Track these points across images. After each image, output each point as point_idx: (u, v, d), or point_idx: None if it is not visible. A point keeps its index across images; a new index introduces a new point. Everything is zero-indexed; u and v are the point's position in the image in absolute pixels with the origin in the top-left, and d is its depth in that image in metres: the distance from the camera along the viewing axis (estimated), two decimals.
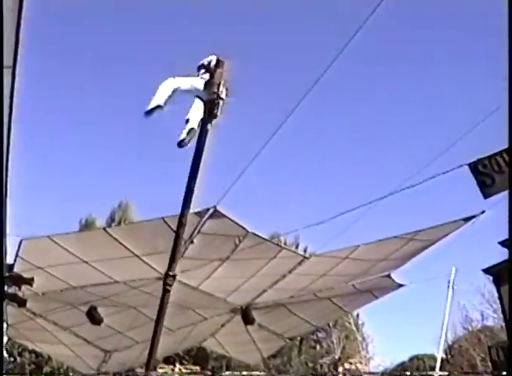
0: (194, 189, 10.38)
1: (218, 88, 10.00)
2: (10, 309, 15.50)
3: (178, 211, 11.61)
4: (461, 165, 9.97)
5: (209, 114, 9.93)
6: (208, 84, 9.96)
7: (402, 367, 44.94)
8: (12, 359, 31.05)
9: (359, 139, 59.36)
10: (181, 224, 10.89)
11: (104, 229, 12.76)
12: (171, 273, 11.26)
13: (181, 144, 9.66)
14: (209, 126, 10.02)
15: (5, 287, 12.89)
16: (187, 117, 9.75)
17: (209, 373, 36.17)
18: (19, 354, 31.30)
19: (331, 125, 57.51)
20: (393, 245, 14.20)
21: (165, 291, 11.53)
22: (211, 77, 10.06)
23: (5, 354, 29.85)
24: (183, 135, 9.67)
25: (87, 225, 34.81)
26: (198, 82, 10.11)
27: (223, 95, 10.01)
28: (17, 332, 18.03)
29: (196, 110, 9.85)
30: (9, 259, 12.49)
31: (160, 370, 33.29)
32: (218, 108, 9.97)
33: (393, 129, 60.18)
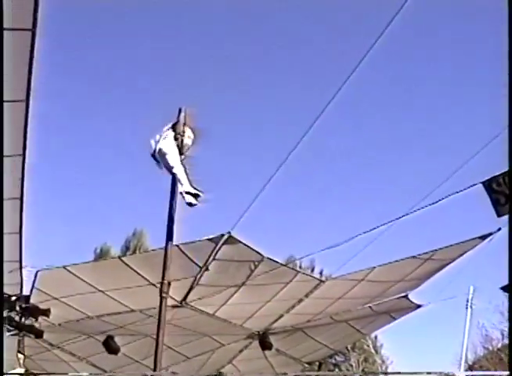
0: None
1: (183, 129, 11.12)
2: (27, 341, 15.50)
3: (192, 238, 11.69)
4: (475, 184, 9.90)
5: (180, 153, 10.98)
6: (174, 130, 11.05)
7: None
8: None
9: (372, 160, 59.25)
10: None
11: (119, 257, 12.82)
12: (165, 281, 11.28)
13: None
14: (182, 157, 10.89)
15: (22, 319, 12.92)
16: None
17: None
18: None
19: (345, 146, 57.49)
20: (409, 266, 14.11)
21: (162, 299, 11.52)
22: (175, 124, 11.22)
23: None
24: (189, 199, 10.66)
25: (102, 254, 34.91)
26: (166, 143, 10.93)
27: (189, 134, 11.11)
28: (34, 363, 18.01)
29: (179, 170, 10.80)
30: (26, 291, 12.56)
31: None
32: (185, 146, 11.10)
33: (406, 149, 60.08)
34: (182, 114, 11.40)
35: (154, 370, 10.95)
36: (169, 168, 10.89)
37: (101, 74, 54.48)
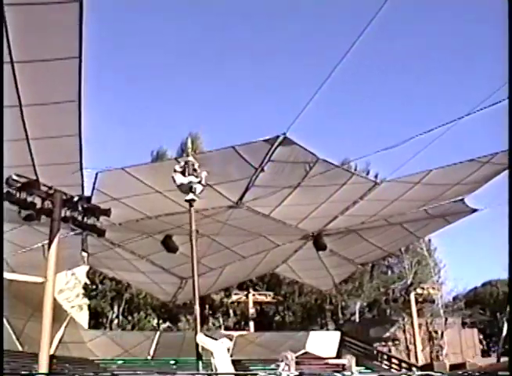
0: None
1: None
2: (90, 240, 16.19)
3: (248, 139, 11.71)
4: None
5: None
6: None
7: (474, 293, 44.64)
8: (94, 287, 32.41)
9: (433, 59, 57.29)
10: None
11: (176, 159, 12.91)
12: (188, 198, 11.64)
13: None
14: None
15: (85, 219, 13.35)
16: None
17: (281, 298, 36.96)
18: (101, 282, 32.61)
19: (404, 45, 55.58)
20: (467, 169, 13.87)
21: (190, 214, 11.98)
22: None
23: (87, 281, 31.26)
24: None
25: (158, 157, 35.26)
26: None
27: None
28: (98, 261, 18.82)
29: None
30: (87, 192, 12.90)
31: (234, 297, 34.27)
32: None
33: (468, 48, 57.76)
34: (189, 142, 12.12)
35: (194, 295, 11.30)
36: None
37: None
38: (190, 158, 12.01)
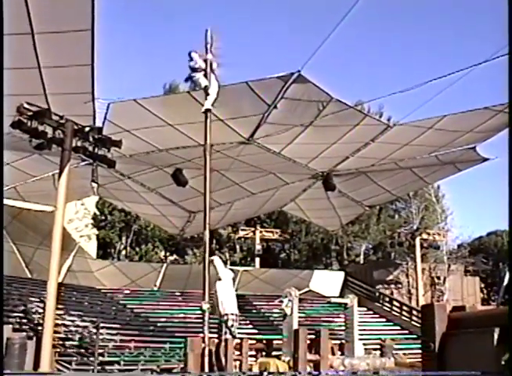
0: None
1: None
2: (100, 171, 16.21)
3: (262, 75, 11.58)
4: None
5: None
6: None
7: (479, 242, 44.78)
8: (103, 218, 32.70)
9: (452, 4, 55.90)
10: None
11: (188, 92, 12.79)
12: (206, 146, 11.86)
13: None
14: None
15: (96, 149, 13.34)
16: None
17: (288, 236, 37.27)
18: (110, 213, 32.87)
19: None
20: (481, 117, 13.73)
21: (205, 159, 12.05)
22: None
23: (96, 212, 31.56)
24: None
25: (171, 90, 34.95)
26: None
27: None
28: (107, 192, 18.93)
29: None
30: (98, 122, 12.86)
31: (241, 233, 34.54)
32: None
33: None
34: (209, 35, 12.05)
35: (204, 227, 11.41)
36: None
37: None
38: (209, 56, 11.98)
